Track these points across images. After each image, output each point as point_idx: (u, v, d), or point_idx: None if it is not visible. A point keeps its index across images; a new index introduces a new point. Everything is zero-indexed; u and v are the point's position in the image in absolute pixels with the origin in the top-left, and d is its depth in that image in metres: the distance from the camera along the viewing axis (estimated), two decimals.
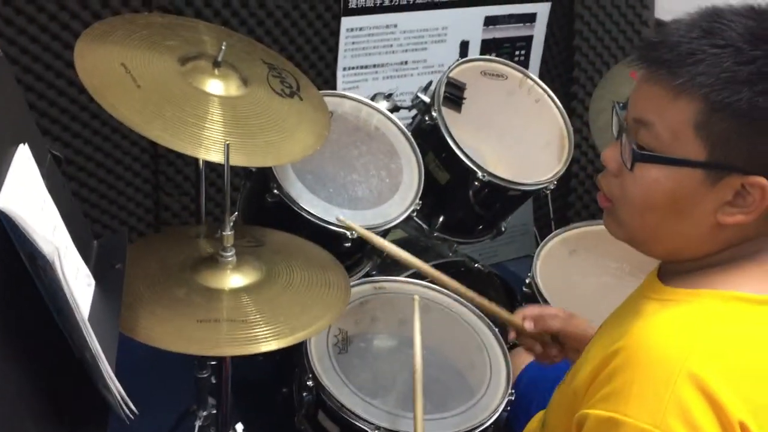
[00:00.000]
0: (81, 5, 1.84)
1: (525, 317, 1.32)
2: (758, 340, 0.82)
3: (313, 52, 2.20)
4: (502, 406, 1.45)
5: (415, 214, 1.70)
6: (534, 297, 1.76)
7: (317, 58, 2.22)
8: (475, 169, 1.72)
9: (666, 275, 0.92)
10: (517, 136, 1.90)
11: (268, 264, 1.29)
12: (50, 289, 0.81)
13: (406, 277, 1.75)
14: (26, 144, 0.89)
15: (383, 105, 1.82)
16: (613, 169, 0.90)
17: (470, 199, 1.81)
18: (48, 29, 1.83)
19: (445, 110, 1.78)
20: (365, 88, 2.28)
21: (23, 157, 0.87)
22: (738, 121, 0.79)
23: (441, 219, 1.87)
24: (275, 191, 1.54)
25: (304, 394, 1.46)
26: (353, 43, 2.22)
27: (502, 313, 1.34)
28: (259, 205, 1.61)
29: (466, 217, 1.92)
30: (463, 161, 1.73)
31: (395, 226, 1.67)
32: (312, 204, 1.56)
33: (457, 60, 1.90)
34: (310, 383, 1.43)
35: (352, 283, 1.62)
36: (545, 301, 1.72)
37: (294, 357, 1.56)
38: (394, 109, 1.85)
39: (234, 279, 1.24)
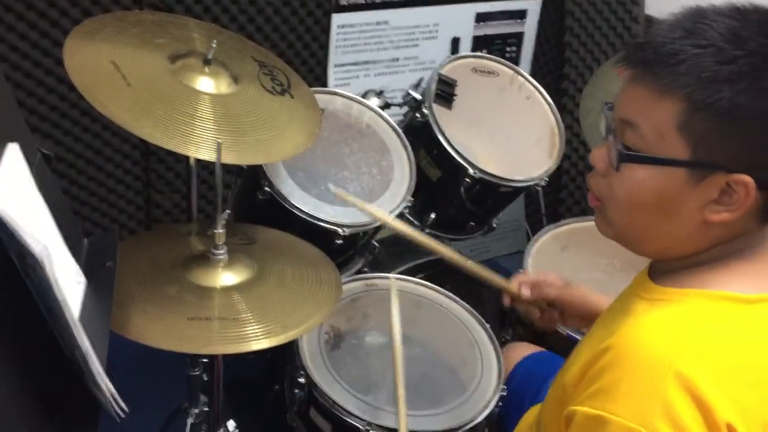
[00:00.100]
0: (70, 2, 1.83)
1: (521, 284, 1.32)
2: (746, 340, 0.83)
3: (304, 49, 2.20)
4: (494, 401, 1.45)
5: (406, 211, 1.70)
6: None
7: (308, 55, 2.22)
8: (466, 165, 1.73)
9: (656, 273, 0.93)
10: (508, 132, 1.90)
11: (260, 262, 1.29)
12: (40, 288, 0.80)
13: (397, 273, 1.75)
14: (15, 142, 0.88)
15: (374, 102, 1.82)
16: (602, 170, 0.91)
17: (461, 196, 1.81)
18: (37, 26, 1.82)
19: (436, 107, 1.78)
20: (356, 85, 2.27)
21: (12, 155, 0.87)
22: (720, 120, 0.80)
23: (432, 216, 1.87)
24: (266, 189, 1.54)
25: (296, 391, 1.46)
26: (344, 40, 2.22)
27: (498, 279, 1.35)
28: (251, 202, 1.61)
29: (457, 214, 1.93)
30: (454, 158, 1.73)
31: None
32: (303, 201, 1.56)
33: (448, 57, 1.90)
34: (301, 380, 1.44)
35: (343, 280, 1.62)
36: None
37: (286, 354, 1.56)
38: (386, 106, 1.85)
39: (225, 277, 1.24)
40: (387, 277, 1.71)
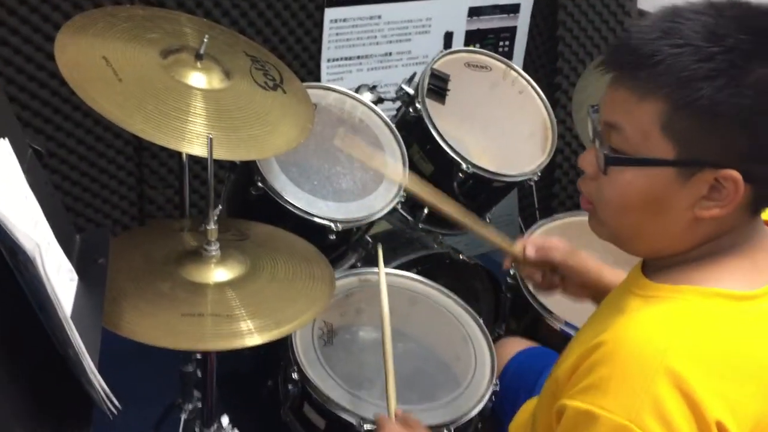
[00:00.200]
0: None
1: (527, 244, 1.31)
2: (738, 337, 0.83)
3: (296, 44, 2.20)
4: (487, 396, 1.46)
5: (399, 206, 1.70)
6: (518, 288, 1.77)
7: (301, 50, 2.21)
8: (459, 160, 1.73)
9: (649, 269, 0.93)
10: (501, 127, 1.90)
11: (253, 257, 1.29)
12: (32, 285, 0.80)
13: (391, 269, 1.75)
14: (6, 139, 0.88)
15: (367, 97, 1.82)
16: (591, 173, 0.92)
17: (455, 191, 1.81)
18: (29, 21, 1.81)
19: (429, 102, 1.78)
20: (349, 80, 2.27)
21: (3, 151, 0.87)
22: (702, 117, 0.80)
23: (426, 211, 1.87)
24: (259, 184, 1.53)
25: (290, 386, 1.46)
26: (337, 34, 2.22)
27: (501, 242, 1.33)
28: (244, 197, 1.61)
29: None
30: (447, 153, 1.73)
31: (380, 218, 1.67)
32: (296, 197, 1.56)
33: (441, 52, 1.90)
34: (295, 376, 1.44)
35: (337, 276, 1.62)
36: (529, 293, 1.73)
37: (279, 350, 1.56)
38: (378, 101, 1.85)
39: (218, 273, 1.23)
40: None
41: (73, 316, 0.86)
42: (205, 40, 1.29)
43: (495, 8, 2.44)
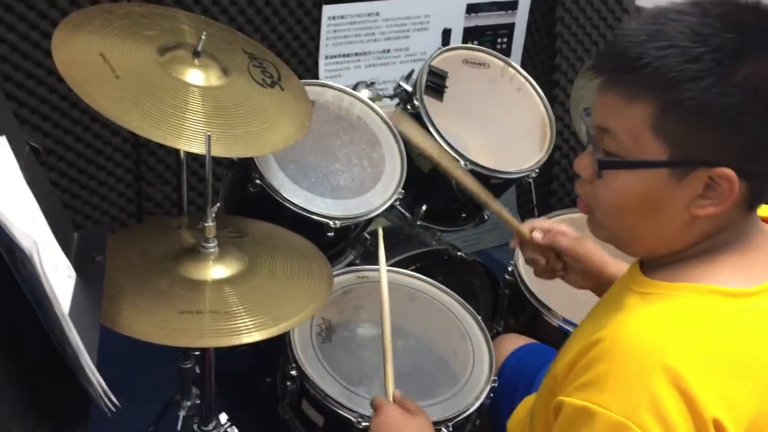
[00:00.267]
0: None
1: (534, 227, 1.29)
2: (736, 334, 0.83)
3: (294, 41, 2.19)
4: (486, 392, 1.46)
5: (398, 203, 1.70)
6: (516, 284, 1.77)
7: (299, 47, 2.21)
8: (457, 157, 1.73)
9: (647, 266, 0.93)
10: (499, 124, 1.90)
11: (251, 255, 1.29)
12: (29, 283, 0.80)
13: (389, 265, 1.75)
14: (3, 136, 0.88)
15: (365, 94, 1.82)
16: (587, 177, 0.92)
17: (453, 188, 1.81)
18: (26, 18, 1.81)
19: (426, 99, 1.78)
20: (347, 77, 2.27)
21: (0, 149, 0.86)
22: (691, 118, 0.80)
23: (424, 208, 1.87)
24: (257, 181, 1.53)
25: (288, 383, 1.46)
26: (335, 31, 2.21)
27: (512, 220, 1.32)
28: (242, 194, 1.61)
29: (449, 206, 1.93)
30: (445, 150, 1.73)
31: (378, 215, 1.67)
32: (294, 194, 1.56)
33: (439, 48, 1.90)
34: (293, 373, 1.44)
35: (335, 273, 1.62)
36: (527, 290, 1.74)
37: (278, 346, 1.56)
38: (377, 98, 1.85)
39: (216, 270, 1.23)
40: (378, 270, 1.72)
41: (71, 314, 0.86)
42: (203, 37, 1.28)
43: (493, 5, 2.44)
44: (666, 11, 0.83)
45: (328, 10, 2.17)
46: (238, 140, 1.25)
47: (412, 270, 1.74)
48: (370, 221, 1.70)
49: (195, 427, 1.51)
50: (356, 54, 2.28)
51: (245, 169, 1.58)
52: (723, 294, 0.84)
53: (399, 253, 1.85)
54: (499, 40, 2.51)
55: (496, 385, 1.48)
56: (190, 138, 1.17)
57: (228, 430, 1.52)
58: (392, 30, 2.31)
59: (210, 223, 1.23)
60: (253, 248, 1.31)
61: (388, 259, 1.80)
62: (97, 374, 0.84)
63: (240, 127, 1.26)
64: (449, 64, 1.88)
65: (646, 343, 0.81)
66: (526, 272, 1.76)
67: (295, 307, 1.21)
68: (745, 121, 0.79)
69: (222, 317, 1.14)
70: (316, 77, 2.23)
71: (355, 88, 1.83)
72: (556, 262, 1.29)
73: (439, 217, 1.93)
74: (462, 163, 1.72)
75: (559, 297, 1.71)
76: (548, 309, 1.69)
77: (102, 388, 0.84)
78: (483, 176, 1.77)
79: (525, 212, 2.73)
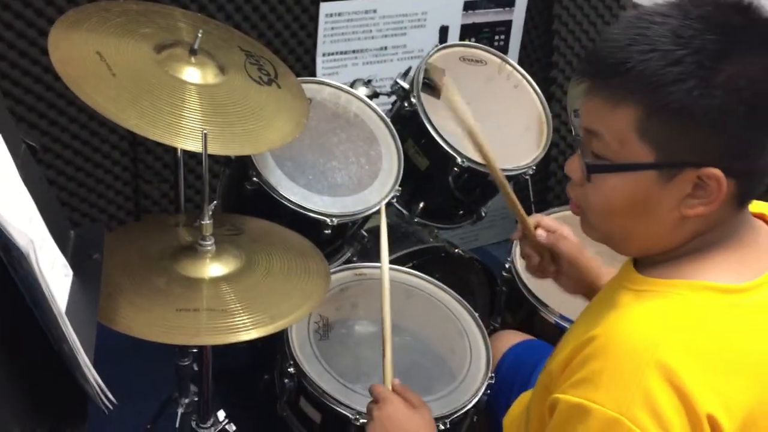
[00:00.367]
0: None
1: (539, 225, 1.28)
2: (728, 330, 0.84)
3: (292, 38, 2.19)
4: (483, 389, 1.46)
5: (395, 200, 1.70)
6: (514, 281, 1.77)
7: (296, 44, 2.21)
8: (454, 155, 1.73)
9: (641, 264, 0.94)
10: (496, 121, 1.90)
11: (248, 252, 1.29)
12: (26, 282, 0.80)
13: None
14: None
15: (362, 91, 1.82)
16: (577, 179, 0.93)
17: (450, 185, 1.82)
18: (23, 15, 1.80)
19: (424, 96, 1.78)
20: (345, 74, 2.27)
21: None
22: (676, 120, 0.81)
23: (421, 205, 1.88)
24: (254, 179, 1.53)
25: (286, 380, 1.47)
26: (332, 28, 2.21)
27: (521, 211, 1.29)
28: (239, 192, 1.61)
29: (446, 203, 1.93)
30: (442, 147, 1.73)
31: (375, 213, 1.67)
32: (291, 191, 1.56)
33: (436, 46, 1.90)
34: (291, 370, 1.44)
35: (332, 270, 1.62)
36: (525, 286, 1.74)
37: (276, 344, 1.56)
38: (374, 95, 1.85)
39: (213, 268, 1.23)
40: (376, 267, 1.72)
41: (67, 312, 0.86)
42: (200, 35, 1.28)
43: (490, 2, 2.43)
44: (648, 14, 0.84)
45: (325, 7, 2.17)
46: (235, 138, 1.25)
47: (409, 267, 1.75)
48: (367, 219, 1.70)
49: (193, 424, 1.51)
50: (353, 51, 2.28)
51: (242, 166, 1.58)
52: (716, 290, 0.85)
53: (396, 250, 1.85)
54: (496, 38, 2.51)
55: (493, 381, 1.48)
56: (187, 136, 1.18)
57: (226, 427, 1.53)
58: (389, 27, 2.30)
59: (207, 221, 1.23)
60: (250, 246, 1.32)
61: None
62: (94, 372, 0.84)
63: (237, 124, 1.26)
64: (446, 61, 1.88)
65: (640, 340, 0.81)
66: (523, 269, 1.76)
67: (292, 305, 1.21)
68: (729, 121, 0.80)
69: (219, 315, 1.14)
70: (314, 75, 2.23)
71: (352, 85, 1.83)
72: (551, 263, 1.29)
73: (436, 214, 1.93)
74: (459, 160, 1.72)
75: (556, 294, 1.70)
76: (545, 306, 1.70)
77: (99, 386, 0.84)
78: (480, 173, 1.78)
79: (523, 209, 2.73)
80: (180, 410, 1.55)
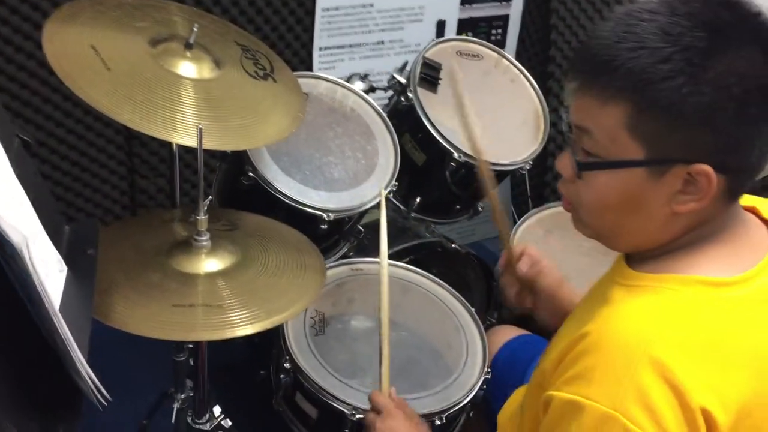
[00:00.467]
0: None
1: (523, 254, 1.30)
2: (722, 323, 0.84)
3: (288, 32, 2.18)
4: (479, 384, 1.46)
5: (391, 195, 1.70)
6: None
7: (293, 38, 2.20)
8: (451, 149, 1.72)
9: (633, 259, 0.94)
10: (493, 116, 1.90)
11: (243, 248, 1.28)
12: (19, 278, 0.80)
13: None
14: None
15: (359, 86, 1.81)
16: (568, 176, 0.93)
17: (447, 180, 1.81)
18: (18, 11, 1.80)
19: (420, 91, 1.77)
20: (342, 69, 2.26)
21: None
22: (665, 117, 0.81)
23: (418, 200, 1.87)
24: (250, 174, 1.53)
25: (282, 376, 1.46)
26: (329, 22, 2.20)
27: (507, 235, 1.33)
28: (235, 187, 1.60)
29: (443, 198, 1.93)
30: (439, 142, 1.73)
31: (372, 208, 1.66)
32: (287, 186, 1.56)
33: (433, 40, 1.89)
34: (287, 365, 1.44)
35: (328, 265, 1.62)
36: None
37: (272, 339, 1.56)
38: (370, 89, 1.85)
39: (209, 263, 1.23)
40: (373, 262, 1.72)
41: (61, 308, 0.85)
42: (195, 29, 1.28)
43: None
44: (636, 11, 0.84)
45: (321, 2, 2.16)
46: (230, 133, 1.24)
47: (406, 262, 1.74)
48: (364, 213, 1.70)
49: (189, 420, 1.51)
50: (350, 45, 2.28)
51: (238, 161, 1.57)
52: (708, 284, 0.85)
53: (393, 245, 1.85)
54: (493, 32, 2.50)
55: (489, 376, 1.48)
56: (183, 131, 1.17)
57: (222, 422, 1.52)
58: (386, 21, 2.30)
59: (202, 217, 1.22)
60: (245, 241, 1.31)
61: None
62: (88, 368, 0.84)
63: (233, 119, 1.26)
64: (443, 55, 1.87)
65: (633, 335, 0.82)
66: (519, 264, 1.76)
67: (288, 301, 1.20)
68: (719, 118, 0.80)
69: (215, 310, 1.14)
70: (310, 69, 2.22)
71: (348, 80, 1.83)
72: (527, 295, 1.30)
73: (433, 209, 1.93)
74: (456, 155, 1.72)
75: None
76: None
77: (92, 382, 0.84)
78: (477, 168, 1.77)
79: (519, 204, 2.73)
80: (176, 405, 1.55)
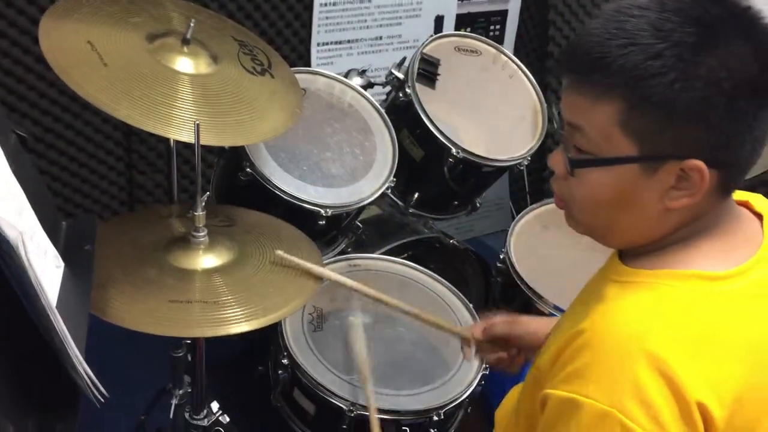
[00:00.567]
0: None
1: (474, 329, 1.32)
2: (717, 316, 0.84)
3: (286, 28, 2.18)
4: (477, 380, 1.47)
5: (389, 191, 1.69)
6: (508, 272, 1.77)
7: (291, 34, 2.20)
8: (449, 145, 1.72)
9: (626, 255, 0.94)
10: (492, 111, 1.90)
11: (241, 244, 1.28)
12: (16, 274, 0.80)
13: (381, 253, 1.75)
14: None
15: (357, 81, 1.81)
16: (561, 173, 0.93)
17: (445, 176, 1.81)
18: (14, 5, 1.79)
19: (419, 86, 1.77)
20: (340, 64, 2.26)
21: None
22: (657, 113, 0.81)
23: (416, 195, 1.87)
24: (248, 170, 1.53)
25: (280, 372, 1.47)
26: (327, 18, 2.20)
27: (453, 328, 1.36)
28: (233, 183, 1.60)
29: (441, 194, 1.93)
30: (437, 138, 1.73)
31: (370, 203, 1.66)
32: (285, 182, 1.56)
33: (431, 36, 1.89)
34: (285, 361, 1.44)
35: (326, 261, 1.62)
36: (519, 277, 1.74)
37: (270, 335, 1.56)
38: (368, 85, 1.84)
39: (206, 259, 1.22)
40: (370, 258, 1.72)
41: (59, 304, 0.85)
42: (192, 24, 1.27)
43: None
44: (626, 7, 0.84)
45: None
46: (228, 129, 1.24)
47: (404, 258, 1.74)
48: (362, 209, 1.70)
49: (186, 415, 1.51)
50: (348, 41, 2.27)
51: (236, 157, 1.57)
52: (702, 278, 0.85)
53: (391, 241, 1.85)
54: (492, 28, 2.50)
55: (487, 372, 1.48)
56: (180, 126, 1.17)
57: (219, 418, 1.52)
58: (384, 17, 2.29)
59: (200, 213, 1.22)
60: (242, 237, 1.31)
61: (380, 247, 1.81)
62: (85, 365, 0.83)
63: (230, 115, 1.25)
64: (441, 51, 1.87)
65: (627, 331, 0.82)
66: (517, 261, 1.76)
67: (284, 298, 1.20)
68: (710, 113, 0.80)
69: (211, 307, 1.14)
70: (309, 65, 2.22)
71: (346, 75, 1.82)
72: (511, 349, 1.29)
73: (431, 204, 1.93)
74: (454, 151, 1.72)
75: (550, 285, 1.71)
76: (540, 297, 1.70)
77: (89, 378, 0.84)
78: (475, 164, 1.77)
79: (518, 199, 2.73)
80: (174, 401, 1.54)
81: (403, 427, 1.38)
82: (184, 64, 1.26)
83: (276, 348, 1.50)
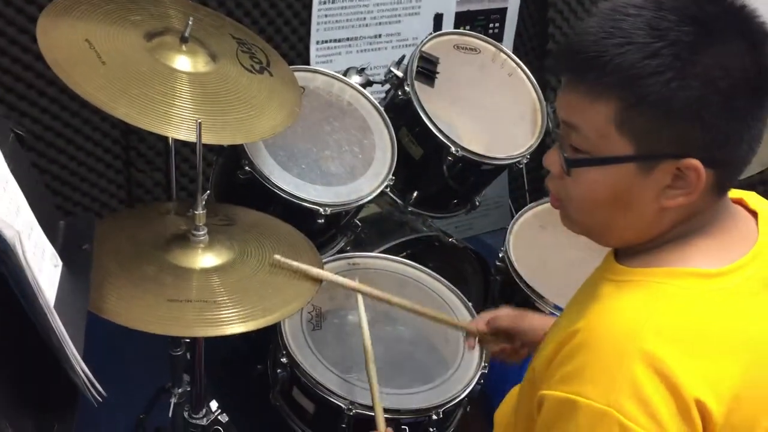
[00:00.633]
0: None
1: (478, 321, 1.33)
2: (713, 313, 0.84)
3: (285, 26, 2.17)
4: (476, 378, 1.46)
5: (388, 189, 1.69)
6: (508, 270, 1.77)
7: (290, 32, 2.19)
8: (448, 144, 1.72)
9: (622, 254, 0.94)
10: (491, 110, 1.89)
11: (240, 243, 1.27)
12: (13, 273, 0.79)
13: (380, 252, 1.75)
14: None
15: (356, 80, 1.81)
16: (557, 173, 0.92)
17: (444, 174, 1.81)
18: (12, 3, 1.79)
19: (418, 85, 1.77)
20: (339, 62, 2.25)
21: None
22: (654, 112, 0.81)
23: (415, 194, 1.87)
24: (247, 168, 1.53)
25: (279, 370, 1.46)
26: (326, 16, 2.20)
27: (457, 322, 1.38)
28: (231, 181, 1.60)
29: (440, 192, 1.92)
30: (436, 136, 1.72)
31: (369, 202, 1.66)
32: (284, 181, 1.55)
33: (430, 34, 1.88)
34: (284, 360, 1.44)
35: (326, 260, 1.62)
36: (518, 275, 1.74)
37: (269, 334, 1.56)
38: (367, 83, 1.84)
39: (206, 259, 1.22)
40: (370, 256, 1.71)
41: (57, 303, 0.85)
42: (190, 22, 1.27)
43: None
44: (622, 6, 0.84)
45: None
46: (226, 127, 1.24)
47: (403, 257, 1.74)
48: (361, 208, 1.70)
49: (186, 414, 1.51)
50: (347, 39, 2.27)
51: (235, 155, 1.57)
52: (697, 275, 0.85)
53: (390, 239, 1.85)
54: (491, 25, 2.50)
55: (486, 371, 1.48)
56: (178, 125, 1.16)
57: (218, 417, 1.52)
58: (383, 15, 2.29)
59: (200, 211, 1.21)
60: (242, 237, 1.30)
61: (379, 245, 1.81)
62: (83, 365, 0.83)
63: (229, 113, 1.25)
64: (440, 49, 1.87)
65: (623, 329, 0.82)
66: (516, 259, 1.76)
67: (283, 299, 1.20)
68: (707, 112, 0.80)
69: (210, 307, 1.13)
70: (308, 63, 2.22)
71: (345, 73, 1.82)
72: (514, 342, 1.30)
73: (430, 203, 1.93)
74: (453, 149, 1.72)
75: (550, 283, 1.71)
76: (540, 296, 1.70)
77: (87, 378, 0.84)
78: (474, 162, 1.77)
79: (517, 197, 2.73)
80: (173, 400, 1.54)
81: (403, 426, 1.38)
82: (183, 62, 1.26)
83: (275, 347, 1.50)
